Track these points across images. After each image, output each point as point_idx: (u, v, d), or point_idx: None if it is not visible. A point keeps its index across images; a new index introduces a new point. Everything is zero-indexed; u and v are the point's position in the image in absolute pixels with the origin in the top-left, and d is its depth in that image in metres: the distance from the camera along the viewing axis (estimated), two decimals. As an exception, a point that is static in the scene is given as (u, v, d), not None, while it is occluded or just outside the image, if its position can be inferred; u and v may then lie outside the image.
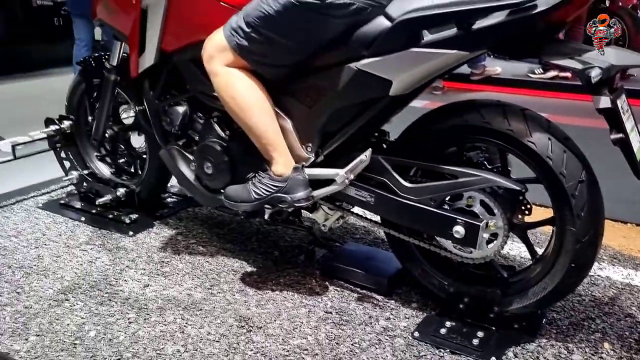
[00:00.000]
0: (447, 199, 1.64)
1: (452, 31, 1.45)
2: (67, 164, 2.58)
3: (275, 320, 1.75)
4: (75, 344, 1.65)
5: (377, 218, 1.83)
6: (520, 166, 1.60)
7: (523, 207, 1.64)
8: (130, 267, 2.07)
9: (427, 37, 1.49)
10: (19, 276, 2.02)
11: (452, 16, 1.44)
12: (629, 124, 1.43)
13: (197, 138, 2.02)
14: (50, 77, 5.40)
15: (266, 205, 1.76)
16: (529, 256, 1.74)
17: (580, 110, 3.99)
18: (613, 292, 1.90)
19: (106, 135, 2.40)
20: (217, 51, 1.68)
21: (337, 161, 1.73)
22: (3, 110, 3.78)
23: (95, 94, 2.42)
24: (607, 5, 5.13)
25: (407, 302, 1.84)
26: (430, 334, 1.66)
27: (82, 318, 1.77)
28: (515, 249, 2.13)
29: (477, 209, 1.60)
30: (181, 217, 2.47)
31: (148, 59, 2.00)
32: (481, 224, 1.56)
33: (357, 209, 1.82)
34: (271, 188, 1.72)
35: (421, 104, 3.33)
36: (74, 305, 1.84)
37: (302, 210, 1.93)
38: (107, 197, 2.44)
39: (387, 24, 1.52)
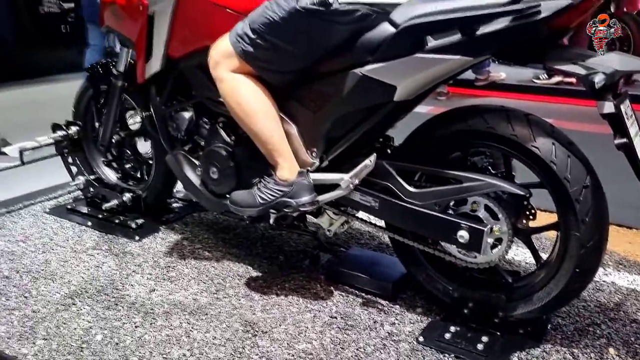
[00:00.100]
0: (451, 203, 1.64)
1: (456, 37, 1.46)
2: (74, 169, 2.60)
3: (280, 325, 1.76)
4: (82, 347, 1.67)
5: (382, 223, 1.84)
6: (524, 171, 1.60)
7: (527, 212, 1.65)
8: (137, 271, 2.08)
9: (431, 42, 1.49)
10: (26, 280, 2.03)
11: (456, 22, 1.44)
12: (632, 129, 1.43)
13: (203, 143, 2.03)
14: (57, 84, 5.43)
15: (271, 210, 1.77)
16: (533, 261, 1.74)
17: (584, 116, 3.99)
18: (618, 298, 1.89)
19: (113, 140, 2.42)
20: (223, 57, 1.70)
21: (341, 166, 1.74)
22: (11, 116, 3.81)
23: (102, 100, 2.44)
24: (612, 10, 5.13)
25: (412, 307, 1.85)
26: (435, 339, 1.66)
27: (89, 322, 1.79)
28: (520, 254, 2.13)
29: (482, 213, 1.60)
30: (187, 222, 2.48)
31: (155, 65, 2.02)
32: (485, 229, 1.56)
33: (361, 214, 1.83)
34: (276, 193, 1.73)
35: (426, 110, 3.34)
36: (81, 309, 1.86)
37: (307, 215, 1.94)
38: (114, 202, 2.45)
39: (391, 30, 1.53)
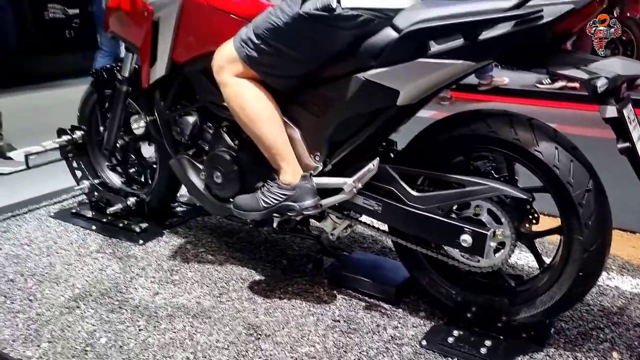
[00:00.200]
0: (454, 207, 1.65)
1: (459, 42, 1.47)
2: (78, 173, 2.61)
3: (283, 328, 1.76)
4: (86, 350, 1.67)
5: (385, 227, 1.84)
6: (527, 175, 1.61)
7: (530, 216, 1.65)
8: (140, 275, 2.09)
9: (434, 47, 1.50)
10: (31, 284, 2.04)
11: (459, 27, 1.45)
12: (635, 133, 1.43)
13: (206, 148, 2.04)
14: (62, 89, 5.47)
15: (275, 214, 1.78)
16: (536, 265, 1.74)
17: (588, 121, 3.98)
18: (622, 302, 1.89)
19: (117, 145, 2.43)
20: (227, 62, 1.71)
21: (345, 170, 1.74)
22: (17, 121, 3.83)
23: (106, 105, 2.46)
24: (615, 15, 5.13)
25: (415, 311, 1.85)
26: (438, 343, 1.66)
27: (93, 325, 1.79)
28: (523, 258, 2.13)
29: (485, 217, 1.60)
30: (190, 226, 2.49)
31: (159, 70, 2.03)
32: (488, 233, 1.57)
33: (365, 218, 1.83)
34: (280, 197, 1.74)
35: (429, 114, 3.35)
36: (85, 312, 1.86)
37: (310, 219, 1.94)
38: (118, 206, 2.46)
39: (394, 35, 1.54)
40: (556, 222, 1.61)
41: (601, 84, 1.36)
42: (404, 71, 1.53)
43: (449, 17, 1.46)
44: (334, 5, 1.52)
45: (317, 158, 1.75)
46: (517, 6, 1.39)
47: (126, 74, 2.28)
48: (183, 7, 1.90)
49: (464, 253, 1.64)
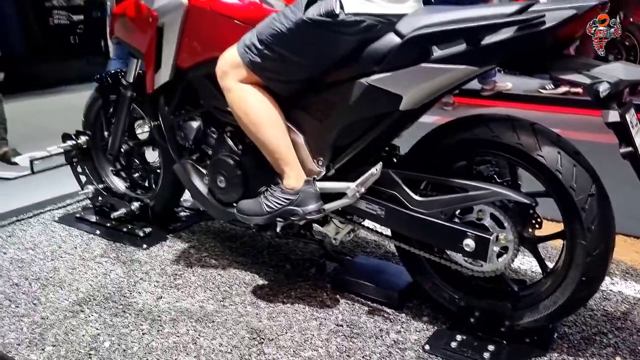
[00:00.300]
0: (457, 212, 1.65)
1: (462, 47, 1.47)
2: (83, 178, 2.62)
3: (286, 333, 1.76)
4: (90, 354, 1.68)
5: (388, 231, 1.85)
6: (530, 180, 1.61)
7: (533, 221, 1.65)
8: (144, 279, 2.10)
9: (437, 52, 1.51)
10: (35, 288, 2.05)
11: (461, 32, 1.46)
12: (638, 138, 1.43)
13: (210, 152, 2.05)
14: (67, 94, 5.50)
15: (278, 219, 1.78)
16: (539, 270, 1.74)
17: (591, 126, 3.98)
18: (625, 307, 1.89)
19: (122, 150, 2.44)
20: (230, 67, 1.72)
21: (348, 175, 1.75)
22: (22, 126, 3.85)
23: (111, 110, 2.47)
24: (619, 20, 5.14)
25: (418, 316, 1.85)
26: (441, 348, 1.66)
27: (97, 329, 1.80)
28: (526, 263, 2.13)
29: (488, 222, 1.61)
30: (194, 231, 2.50)
31: (164, 75, 2.05)
32: (491, 237, 1.57)
33: (367, 223, 1.84)
34: (283, 201, 1.74)
35: (431, 119, 3.35)
36: (89, 316, 1.87)
37: (313, 224, 1.95)
38: (122, 211, 2.47)
39: (397, 40, 1.55)
40: (559, 227, 1.62)
41: (603, 88, 1.36)
42: (407, 76, 1.54)
43: (451, 23, 1.47)
44: (337, 11, 1.53)
45: (320, 163, 1.76)
46: (519, 11, 1.40)
47: (131, 80, 2.30)
48: (187, 13, 1.91)
49: (467, 258, 1.64)
